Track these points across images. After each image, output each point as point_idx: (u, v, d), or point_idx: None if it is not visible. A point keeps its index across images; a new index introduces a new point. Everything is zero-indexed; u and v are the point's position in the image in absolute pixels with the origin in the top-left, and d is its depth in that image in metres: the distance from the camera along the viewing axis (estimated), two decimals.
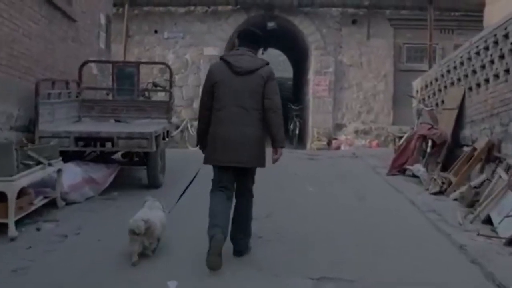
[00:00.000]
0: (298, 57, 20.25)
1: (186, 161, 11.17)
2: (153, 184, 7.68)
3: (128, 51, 16.49)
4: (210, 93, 4.85)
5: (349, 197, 7.70)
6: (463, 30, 16.41)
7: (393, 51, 16.51)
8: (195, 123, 15.79)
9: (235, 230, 4.88)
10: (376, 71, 16.44)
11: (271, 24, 16.68)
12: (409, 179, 9.12)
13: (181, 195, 5.41)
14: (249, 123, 4.77)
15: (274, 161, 4.98)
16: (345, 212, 6.78)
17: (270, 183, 7.51)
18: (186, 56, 16.71)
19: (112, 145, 6.95)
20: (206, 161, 4.89)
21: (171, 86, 9.08)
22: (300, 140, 17.80)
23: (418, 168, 8.90)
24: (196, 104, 16.43)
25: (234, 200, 4.96)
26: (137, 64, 9.37)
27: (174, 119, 15.97)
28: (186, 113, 16.51)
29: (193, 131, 15.97)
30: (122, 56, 16.06)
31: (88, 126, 7.74)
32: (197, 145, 5.20)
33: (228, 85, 4.80)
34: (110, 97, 9.41)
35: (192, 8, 16.71)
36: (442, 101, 10.18)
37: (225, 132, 4.75)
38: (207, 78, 4.95)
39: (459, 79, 9.28)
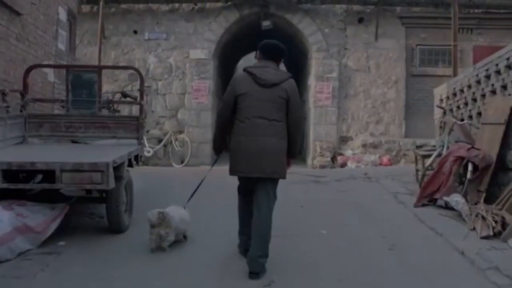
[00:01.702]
0: (296, 61, 18.44)
1: (168, 185, 9.42)
2: (114, 228, 5.89)
3: (103, 54, 14.71)
4: (233, 104, 5.06)
5: (376, 245, 5.91)
6: (483, 29, 14.84)
7: (404, 54, 14.80)
8: (181, 137, 14.07)
9: (254, 247, 4.90)
10: (385, 76, 14.71)
11: (266, 24, 14.95)
12: (443, 212, 7.35)
13: (191, 196, 5.80)
14: (272, 135, 4.94)
15: (287, 167, 5.23)
16: (377, 275, 4.95)
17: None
18: (170, 60, 14.94)
19: (54, 181, 5.08)
20: (231, 173, 5.12)
21: (141, 97, 7.22)
22: (301, 158, 15.98)
23: (456, 199, 7.10)
24: (181, 115, 14.74)
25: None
26: (98, 69, 7.50)
27: (156, 132, 14.35)
28: (170, 125, 14.71)
29: (177, 146, 14.16)
30: (97, 61, 14.29)
31: (23, 153, 5.89)
32: (213, 149, 5.47)
33: (253, 97, 4.99)
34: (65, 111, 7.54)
35: (176, 5, 14.99)
36: (479, 113, 8.42)
37: (250, 144, 4.94)
38: (231, 89, 5.11)
39: (504, 87, 7.52)
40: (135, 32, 15.03)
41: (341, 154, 14.13)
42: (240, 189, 5.30)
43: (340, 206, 7.91)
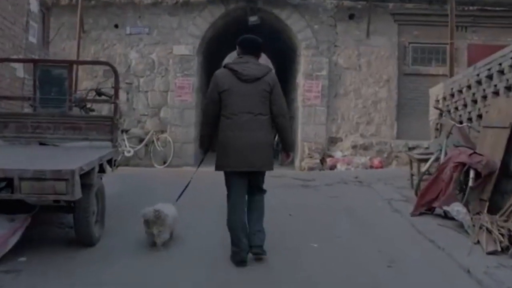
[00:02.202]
0: (284, 58, 17.95)
1: (148, 188, 8.85)
2: (83, 240, 5.33)
3: (82, 49, 14.13)
4: (218, 101, 5.17)
5: (373, 261, 5.39)
6: (478, 27, 14.41)
7: (397, 52, 14.34)
8: (163, 136, 13.48)
9: (253, 227, 5.16)
10: (377, 74, 14.24)
11: (253, 19, 14.41)
12: (442, 222, 6.87)
13: (181, 193, 5.82)
14: (259, 129, 5.09)
15: (286, 162, 5.75)
16: None
17: None
18: (152, 55, 14.35)
19: (12, 191, 4.50)
20: (218, 168, 5.21)
21: (116, 95, 6.64)
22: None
23: (457, 208, 6.60)
24: (163, 113, 14.17)
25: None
26: (69, 64, 6.89)
27: (138, 131, 13.78)
28: (152, 123, 14.12)
29: (159, 146, 13.58)
30: (75, 56, 13.68)
31: None
32: (199, 147, 5.71)
33: (236, 93, 5.11)
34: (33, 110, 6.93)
35: None
36: (480, 116, 7.94)
37: (237, 138, 5.06)
38: (213, 86, 5.22)
39: (508, 88, 7.04)
40: (116, 26, 14.44)
41: (330, 156, 13.64)
42: (228, 187, 5.28)
43: (331, 215, 7.39)
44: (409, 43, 14.43)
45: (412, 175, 9.52)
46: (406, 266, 5.25)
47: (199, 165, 5.82)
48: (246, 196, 5.29)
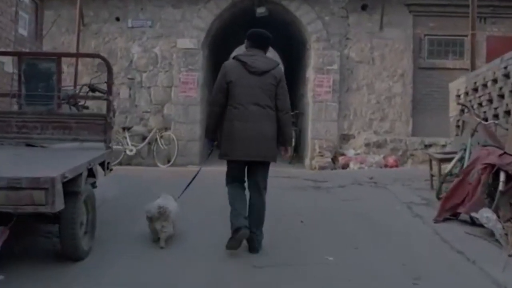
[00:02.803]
0: (293, 52, 17.35)
1: (148, 191, 8.21)
2: (69, 255, 4.78)
3: (82, 43, 13.58)
4: (225, 90, 5.33)
5: (396, 277, 4.81)
6: (498, 18, 13.74)
7: (412, 44, 13.67)
8: (166, 134, 12.93)
9: (251, 225, 5.22)
10: (391, 68, 13.59)
11: (261, 11, 13.82)
12: (469, 229, 6.29)
13: (184, 189, 5.90)
14: (265, 120, 5.26)
15: (286, 157, 5.95)
16: None
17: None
18: (155, 49, 13.77)
19: None
20: (222, 157, 5.37)
21: (109, 92, 6.06)
22: (297, 155, 14.87)
23: (487, 215, 5.99)
24: (167, 110, 13.62)
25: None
26: (58, 56, 6.30)
27: (140, 128, 13.23)
28: (155, 121, 13.54)
29: (163, 144, 13.02)
30: (75, 50, 13.15)
31: None
32: (206, 137, 5.75)
33: (244, 84, 5.29)
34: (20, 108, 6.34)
35: None
36: (507, 112, 7.32)
37: (243, 128, 5.22)
38: (221, 76, 5.37)
39: None
40: (117, 19, 13.86)
41: (342, 154, 13.02)
42: (229, 175, 5.46)
43: (347, 221, 6.81)
44: (425, 35, 13.77)
45: (432, 176, 8.93)
46: (434, 283, 4.67)
47: (208, 156, 6.04)
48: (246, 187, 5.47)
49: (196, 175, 5.94)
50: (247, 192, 5.45)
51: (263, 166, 5.43)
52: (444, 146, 12.99)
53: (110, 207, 7.27)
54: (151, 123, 13.60)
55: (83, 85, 7.47)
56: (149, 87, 13.72)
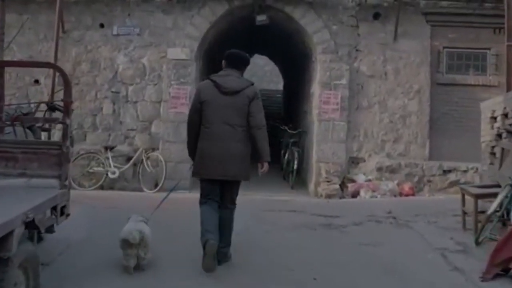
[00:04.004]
0: (295, 64, 16.01)
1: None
2: None
3: (62, 51, 12.30)
4: (199, 110, 5.57)
5: None
6: None
7: (429, 58, 12.35)
8: (154, 155, 11.57)
9: (220, 240, 5.45)
10: (406, 84, 12.27)
11: (261, 18, 12.50)
12: None
13: (162, 201, 6.04)
14: (235, 140, 5.51)
15: (261, 173, 5.72)
16: None
17: None
18: (143, 60, 12.42)
19: None
20: (195, 175, 5.70)
21: (66, 113, 4.68)
22: (300, 179, 13.46)
23: None
24: (155, 128, 12.28)
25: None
26: None
27: (125, 148, 11.93)
28: (142, 139, 12.16)
29: (150, 166, 11.63)
30: (53, 59, 11.82)
31: None
32: (189, 156, 5.86)
33: (216, 104, 5.52)
34: None
35: None
36: None
37: (213, 148, 5.48)
38: (196, 97, 5.72)
39: None
40: (102, 25, 12.52)
41: (351, 180, 11.64)
42: (202, 193, 5.67)
43: (370, 278, 5.46)
44: (444, 47, 12.45)
45: (464, 213, 7.56)
46: None
47: (191, 173, 5.78)
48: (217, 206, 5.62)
49: (166, 196, 6.10)
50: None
51: (233, 184, 5.67)
52: (465, 171, 11.68)
53: (74, 253, 5.95)
54: (137, 142, 12.22)
55: (39, 103, 6.05)
56: (135, 102, 12.35)
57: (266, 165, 5.65)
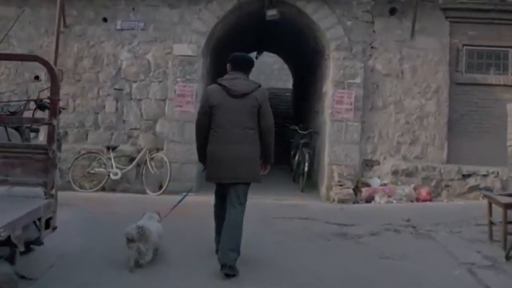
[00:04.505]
0: (307, 62, 15.44)
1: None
2: None
3: (64, 46, 11.83)
4: (209, 114, 5.62)
5: None
6: None
7: (448, 56, 11.73)
8: (158, 155, 11.05)
9: (226, 241, 5.39)
10: (423, 83, 11.67)
11: (271, 13, 11.93)
12: None
13: (177, 203, 6.20)
14: (246, 142, 5.56)
15: (264, 173, 5.80)
16: None
17: None
18: (148, 56, 11.88)
19: None
20: (208, 179, 5.75)
21: (53, 113, 4.14)
22: (310, 182, 12.89)
23: None
24: (160, 127, 11.79)
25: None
26: None
27: (128, 148, 11.41)
28: (146, 139, 11.62)
29: (153, 167, 11.09)
30: (53, 53, 11.36)
31: None
32: (199, 160, 5.92)
33: (225, 108, 5.57)
34: None
35: None
36: None
37: (224, 151, 5.53)
38: (204, 101, 5.77)
39: None
40: (105, 20, 11.98)
41: (365, 184, 11.06)
42: (216, 195, 5.85)
43: None
44: (463, 45, 11.82)
45: (491, 223, 6.99)
46: None
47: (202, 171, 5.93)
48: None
49: (181, 200, 6.21)
50: None
51: (243, 186, 5.63)
52: (485, 176, 11.09)
53: (67, 266, 5.44)
54: (140, 142, 11.68)
55: (28, 101, 5.52)
56: (139, 100, 11.81)
57: (268, 167, 5.82)
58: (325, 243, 6.75)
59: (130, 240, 5.28)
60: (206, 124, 5.60)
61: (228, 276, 5.26)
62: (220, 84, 5.66)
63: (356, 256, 6.27)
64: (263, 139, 5.60)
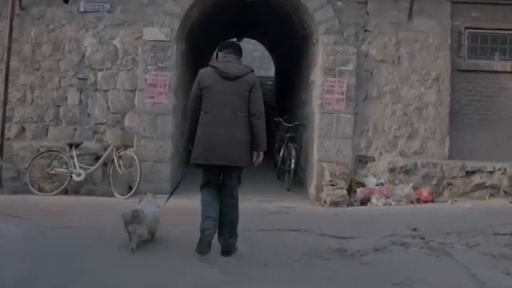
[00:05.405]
0: (292, 48, 14.21)
1: (84, 270, 5.12)
2: None
3: (20, 31, 10.56)
4: (200, 96, 5.65)
5: None
6: None
7: (449, 40, 10.61)
8: (127, 154, 9.79)
9: (222, 230, 5.56)
10: (422, 70, 10.55)
11: None
12: None
13: (172, 192, 7.08)
14: (236, 125, 5.53)
15: (256, 162, 5.73)
16: None
17: None
18: (115, 41, 10.59)
19: None
20: (194, 161, 5.66)
21: None
22: (297, 179, 11.72)
23: None
24: (129, 121, 10.58)
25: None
26: None
27: (93, 145, 10.20)
28: (113, 135, 10.36)
29: (122, 167, 9.84)
30: (7, 39, 10.08)
31: None
32: (189, 147, 5.84)
33: (216, 89, 5.58)
34: None
35: None
36: None
37: (214, 133, 5.50)
38: (196, 83, 5.71)
39: None
40: (66, 0, 10.63)
41: (360, 184, 9.91)
42: (203, 180, 5.75)
43: None
44: (466, 28, 10.70)
45: None
46: None
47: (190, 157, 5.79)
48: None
49: (181, 180, 6.55)
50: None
51: (235, 170, 5.62)
52: (491, 173, 10.04)
53: None
54: (107, 138, 10.39)
55: None
56: (105, 91, 10.51)
57: (261, 154, 5.71)
58: (323, 264, 5.55)
59: (126, 222, 5.60)
60: (198, 107, 5.61)
61: (228, 253, 5.57)
62: (212, 66, 5.71)
63: (363, 283, 5.09)
64: (255, 124, 5.57)
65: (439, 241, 6.54)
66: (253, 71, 5.77)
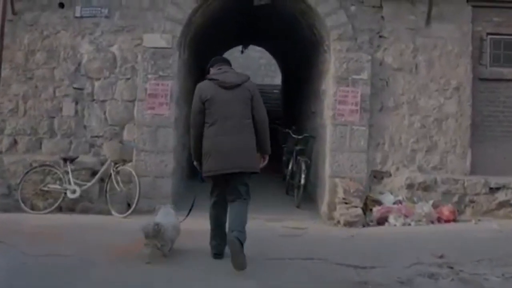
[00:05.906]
0: (301, 55, 13.55)
1: None
2: None
3: (12, 37, 9.97)
4: (203, 110, 5.72)
5: None
6: None
7: (470, 47, 9.93)
8: (125, 169, 9.15)
9: (233, 226, 5.51)
10: (442, 79, 9.88)
11: None
12: None
13: (190, 210, 6.46)
14: (243, 132, 5.68)
15: (263, 165, 5.92)
16: None
17: None
18: (113, 48, 9.97)
19: None
20: (207, 173, 5.74)
21: None
22: (306, 195, 11.04)
23: None
24: (128, 134, 9.93)
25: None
26: None
27: (89, 159, 9.55)
28: (111, 149, 9.61)
29: (120, 183, 9.20)
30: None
31: None
32: (195, 161, 6.00)
33: (219, 100, 5.68)
34: None
35: None
36: None
37: (222, 142, 5.59)
38: (197, 97, 5.79)
39: None
40: (61, 5, 10.03)
41: (376, 202, 9.22)
42: (213, 191, 5.89)
43: None
44: (488, 34, 10.03)
45: None
46: None
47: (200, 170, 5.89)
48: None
49: (193, 202, 6.41)
50: None
51: (246, 175, 5.72)
52: None
53: None
54: (105, 152, 9.69)
55: None
56: (103, 101, 9.88)
57: (267, 158, 5.92)
58: None
59: (147, 237, 5.63)
60: (202, 122, 5.71)
61: (240, 242, 5.41)
62: (210, 79, 5.83)
63: None
64: (259, 130, 5.76)
65: (470, 271, 5.86)
66: (249, 78, 6.00)
